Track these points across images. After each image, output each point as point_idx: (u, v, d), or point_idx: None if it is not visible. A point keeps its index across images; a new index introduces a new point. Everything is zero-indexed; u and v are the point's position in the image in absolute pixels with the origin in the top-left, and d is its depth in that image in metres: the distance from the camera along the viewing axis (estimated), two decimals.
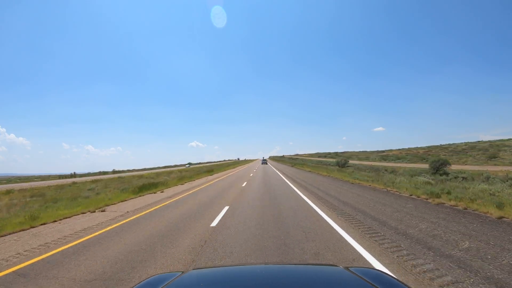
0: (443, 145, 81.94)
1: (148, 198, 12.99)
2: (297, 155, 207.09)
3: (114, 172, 76.32)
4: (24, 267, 4.29)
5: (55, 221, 8.04)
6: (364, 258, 4.14)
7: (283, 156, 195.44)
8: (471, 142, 74.48)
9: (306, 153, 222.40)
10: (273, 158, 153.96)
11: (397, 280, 1.25)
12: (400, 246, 4.58)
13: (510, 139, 67.45)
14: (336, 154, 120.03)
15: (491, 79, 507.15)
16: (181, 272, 1.37)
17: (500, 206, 6.47)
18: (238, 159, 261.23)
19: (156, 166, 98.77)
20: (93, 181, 31.37)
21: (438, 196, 8.69)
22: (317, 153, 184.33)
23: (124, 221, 7.59)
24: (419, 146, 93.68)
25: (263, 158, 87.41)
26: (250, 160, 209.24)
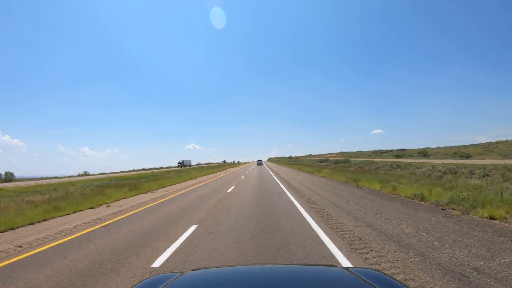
0: None
1: None
2: (310, 155, 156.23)
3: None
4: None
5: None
6: None
7: (291, 157, 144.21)
8: None
9: (303, 154, 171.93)
10: (279, 161, 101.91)
11: (397, 280, 1.21)
12: None
13: None
14: (400, 151, 70.10)
15: (489, 80, 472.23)
16: (180, 273, 1.36)
17: None
18: (182, 164, 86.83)
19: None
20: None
21: None
22: (341, 153, 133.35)
23: None
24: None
25: (259, 160, 79.42)
26: (226, 165, 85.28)
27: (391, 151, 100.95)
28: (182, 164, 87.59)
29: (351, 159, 56.80)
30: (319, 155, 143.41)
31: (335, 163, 50.00)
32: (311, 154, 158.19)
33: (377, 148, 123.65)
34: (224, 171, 36.44)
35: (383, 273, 1.34)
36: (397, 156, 61.90)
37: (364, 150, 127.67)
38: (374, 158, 67.45)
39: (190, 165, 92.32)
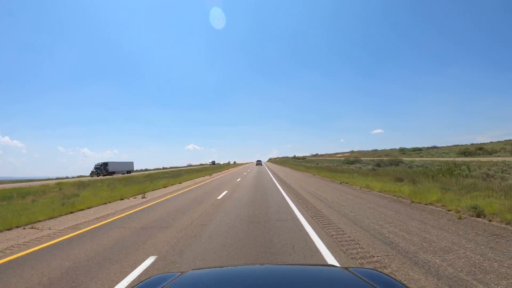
0: None
1: None
2: (317, 155, 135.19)
3: None
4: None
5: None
6: None
7: (296, 158, 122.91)
8: None
9: (305, 154, 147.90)
10: (284, 163, 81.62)
11: (397, 280, 1.20)
12: None
13: None
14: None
15: (489, 80, 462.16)
16: (180, 273, 1.34)
17: None
18: (102, 169, 45.37)
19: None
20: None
21: None
22: (352, 152, 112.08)
23: None
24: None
25: (258, 160, 75.33)
26: (211, 168, 53.52)
27: (420, 149, 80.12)
28: (103, 168, 43.70)
29: (404, 158, 35.70)
30: (327, 154, 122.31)
31: (382, 165, 29.62)
32: (317, 154, 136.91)
33: (379, 148, 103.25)
34: (142, 197, 15.27)
35: (383, 273, 1.31)
36: (465, 155, 41.03)
37: (379, 149, 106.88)
38: (421, 157, 46.81)
39: (130, 171, 52.03)
